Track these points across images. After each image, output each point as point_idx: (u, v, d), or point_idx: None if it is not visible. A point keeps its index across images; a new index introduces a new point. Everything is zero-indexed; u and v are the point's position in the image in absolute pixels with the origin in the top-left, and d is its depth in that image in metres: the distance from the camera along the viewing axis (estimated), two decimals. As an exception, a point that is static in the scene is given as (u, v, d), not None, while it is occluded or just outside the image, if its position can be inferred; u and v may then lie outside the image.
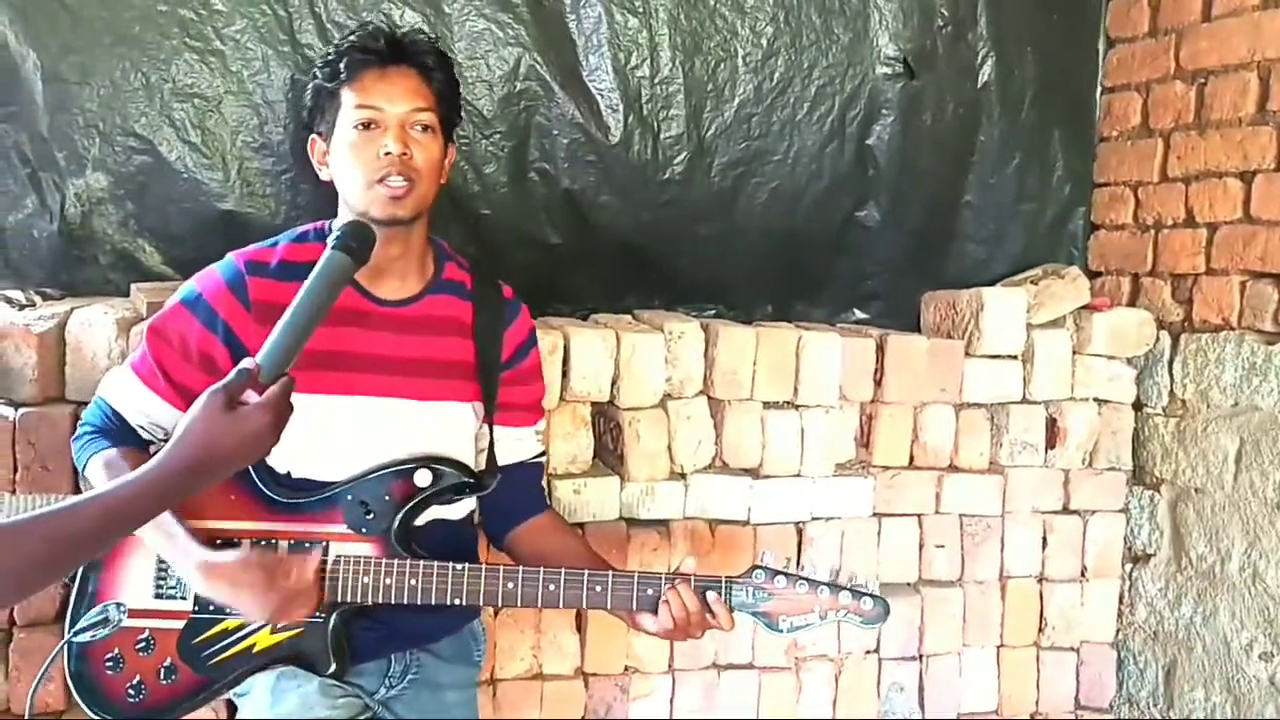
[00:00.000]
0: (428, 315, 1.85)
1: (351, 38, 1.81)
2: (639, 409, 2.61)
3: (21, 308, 2.41)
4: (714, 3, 2.96)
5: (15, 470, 2.19)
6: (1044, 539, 2.98)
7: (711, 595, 1.75)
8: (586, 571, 1.77)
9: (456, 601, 1.74)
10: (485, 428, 1.92)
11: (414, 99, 1.76)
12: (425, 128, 1.77)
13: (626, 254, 3.00)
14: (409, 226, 1.79)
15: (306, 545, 1.75)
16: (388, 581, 1.73)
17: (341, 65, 1.76)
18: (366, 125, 1.74)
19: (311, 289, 1.52)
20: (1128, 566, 3.09)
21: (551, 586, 1.75)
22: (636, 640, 2.58)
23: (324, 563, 1.74)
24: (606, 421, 2.69)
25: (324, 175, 1.84)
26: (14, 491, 2.19)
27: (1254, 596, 2.73)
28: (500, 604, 1.77)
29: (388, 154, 1.72)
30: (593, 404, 2.63)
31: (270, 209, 2.72)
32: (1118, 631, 3.10)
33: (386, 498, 1.77)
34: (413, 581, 1.73)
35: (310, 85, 1.84)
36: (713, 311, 3.10)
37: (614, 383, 2.60)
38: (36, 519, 1.20)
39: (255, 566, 1.65)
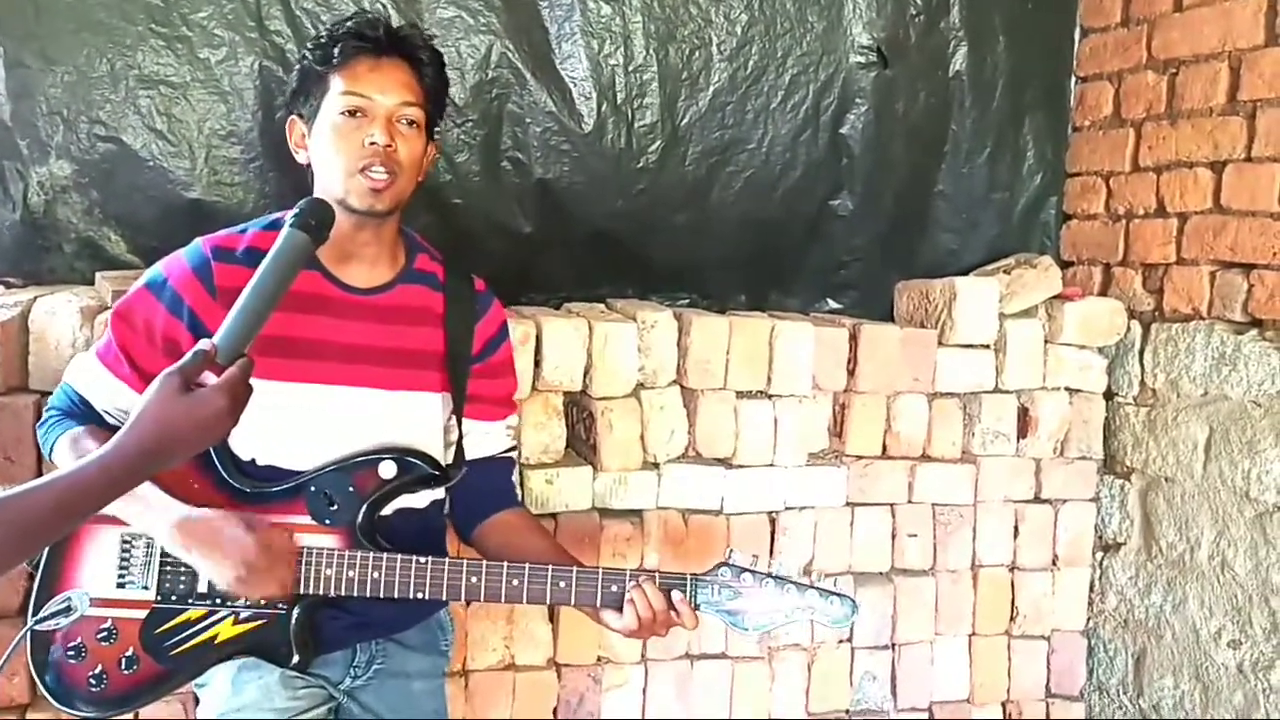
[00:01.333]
0: (399, 304, 1.83)
1: (348, 23, 1.77)
2: (612, 398, 2.60)
3: (-16, 296, 2.37)
4: (688, -10, 2.95)
5: (-24, 461, 2.17)
6: (1015, 528, 2.99)
7: (676, 595, 1.74)
8: (551, 567, 1.75)
9: (420, 595, 1.72)
10: (456, 420, 1.90)
11: (404, 92, 1.74)
12: (411, 122, 1.75)
13: (600, 243, 2.99)
14: (384, 218, 1.77)
15: None
16: (350, 574, 1.71)
17: (335, 50, 1.73)
18: (353, 113, 1.71)
19: (269, 268, 1.49)
20: (1098, 555, 3.11)
21: (515, 581, 1.73)
22: (609, 631, 2.57)
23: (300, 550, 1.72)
24: (579, 411, 2.68)
25: (300, 158, 1.81)
26: (-25, 482, 2.16)
27: (1223, 585, 2.75)
28: (464, 598, 1.75)
29: (373, 144, 1.70)
30: (565, 393, 2.62)
31: (238, 197, 2.69)
32: (1088, 620, 3.12)
33: (350, 489, 1.75)
34: (375, 574, 1.71)
35: (298, 66, 1.81)
36: (686, 301, 3.09)
37: (587, 372, 2.59)
38: None
39: (235, 522, 1.63)
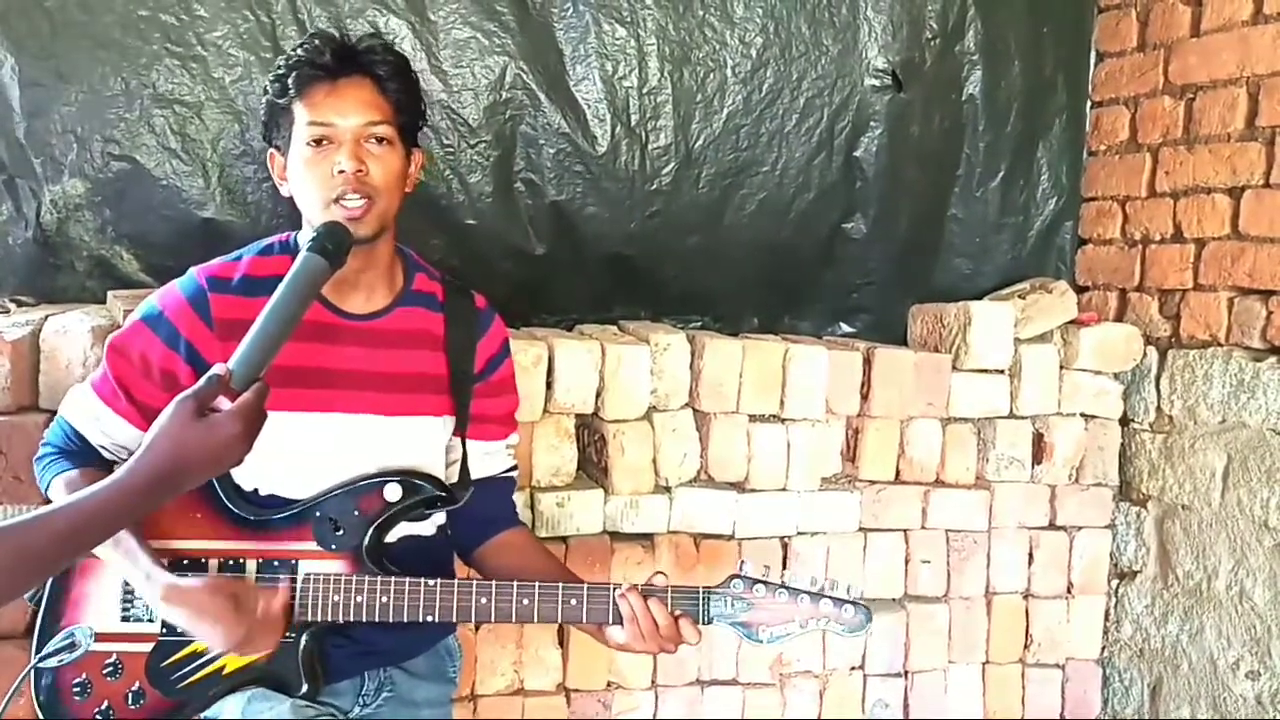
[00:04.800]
0: (397, 328, 1.81)
1: (299, 50, 1.72)
2: (624, 421, 2.58)
3: (-5, 315, 2.37)
4: (703, 13, 2.95)
5: (-14, 480, 2.15)
6: (1030, 555, 2.96)
7: (653, 601, 1.70)
8: (561, 585, 1.72)
9: (429, 618, 1.70)
10: (457, 441, 1.88)
11: (367, 111, 1.69)
12: (381, 140, 1.70)
13: (613, 265, 2.98)
14: (372, 242, 1.74)
15: (275, 564, 1.71)
16: (359, 599, 1.69)
17: (290, 80, 1.68)
18: (319, 142, 1.67)
19: (285, 293, 1.48)
20: (1114, 583, 3.07)
21: (525, 601, 1.70)
22: (619, 656, 2.54)
23: (293, 586, 1.69)
24: (591, 434, 2.66)
25: (284, 191, 1.77)
26: (-16, 502, 2.15)
27: (1241, 615, 2.71)
28: (474, 619, 1.73)
29: (341, 172, 1.65)
30: (577, 416, 2.60)
31: (251, 217, 2.69)
32: (1103, 649, 3.08)
33: (356, 513, 1.73)
34: (384, 599, 1.69)
35: (265, 99, 1.76)
36: (699, 323, 3.08)
37: (599, 394, 2.57)
38: None
39: (221, 593, 1.60)
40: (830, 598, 1.75)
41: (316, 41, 1.71)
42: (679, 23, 2.93)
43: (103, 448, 1.75)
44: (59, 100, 2.55)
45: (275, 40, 2.65)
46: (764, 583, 1.75)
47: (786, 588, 1.76)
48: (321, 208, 1.67)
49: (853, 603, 1.76)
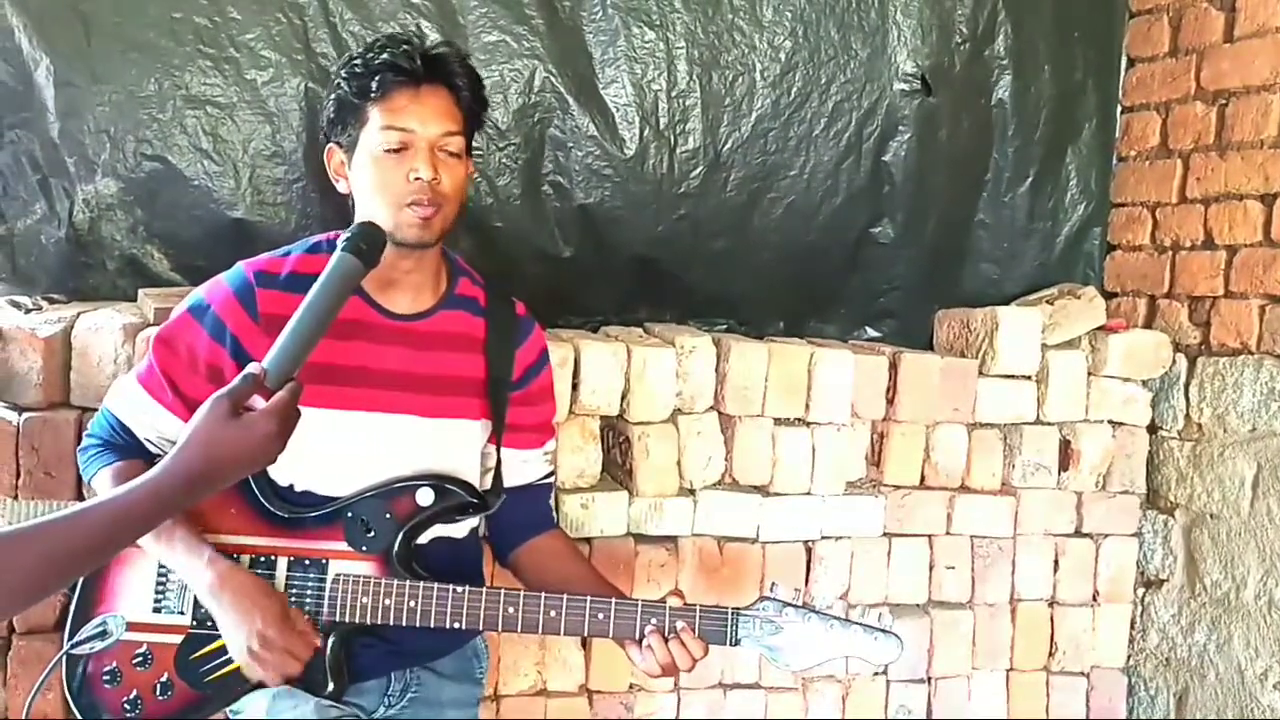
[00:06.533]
0: (440, 331, 1.82)
1: (384, 54, 1.71)
2: (649, 423, 2.59)
3: (28, 312, 2.39)
4: (732, 16, 2.94)
5: (18, 476, 2.18)
6: (1055, 562, 2.94)
7: (680, 624, 1.70)
8: (589, 599, 1.72)
9: (456, 625, 1.71)
10: (493, 448, 1.88)
11: (446, 121, 1.71)
12: (453, 152, 1.73)
13: (639, 268, 2.99)
14: (431, 247, 1.76)
15: (305, 563, 1.72)
16: (387, 602, 1.70)
17: (373, 82, 1.69)
18: (397, 148, 1.69)
19: (320, 292, 1.49)
20: (1140, 591, 3.05)
21: (553, 613, 1.71)
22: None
23: (324, 640, 1.71)
24: (616, 435, 2.66)
25: (341, 188, 1.79)
26: (16, 497, 2.18)
27: (1269, 625, 2.69)
28: (501, 629, 1.72)
29: (418, 179, 1.67)
30: (602, 418, 2.60)
31: (281, 218, 2.71)
32: (1129, 657, 3.06)
33: (387, 516, 1.74)
34: (412, 603, 1.70)
35: (334, 96, 1.77)
36: (725, 326, 3.08)
37: (624, 396, 2.58)
38: (34, 530, 1.17)
39: (275, 599, 1.63)
40: (862, 625, 1.74)
41: (406, 46, 1.72)
42: (708, 26, 2.93)
43: (148, 440, 1.76)
44: (93, 101, 2.58)
45: (307, 42, 2.67)
46: (795, 606, 1.74)
47: (817, 613, 1.74)
48: (391, 211, 1.69)
49: (883, 631, 1.74)
